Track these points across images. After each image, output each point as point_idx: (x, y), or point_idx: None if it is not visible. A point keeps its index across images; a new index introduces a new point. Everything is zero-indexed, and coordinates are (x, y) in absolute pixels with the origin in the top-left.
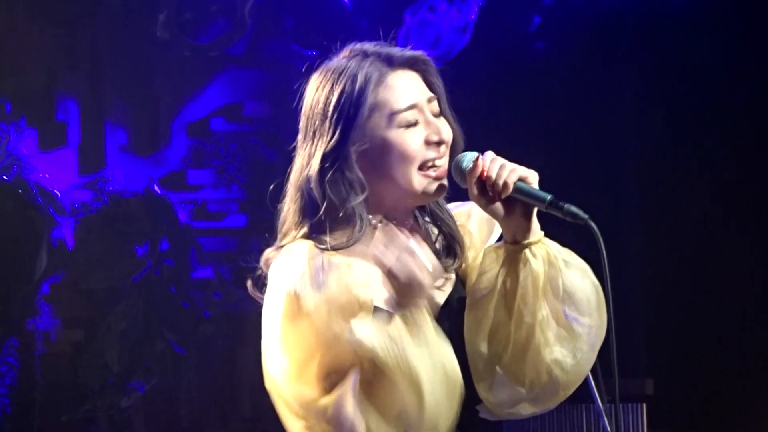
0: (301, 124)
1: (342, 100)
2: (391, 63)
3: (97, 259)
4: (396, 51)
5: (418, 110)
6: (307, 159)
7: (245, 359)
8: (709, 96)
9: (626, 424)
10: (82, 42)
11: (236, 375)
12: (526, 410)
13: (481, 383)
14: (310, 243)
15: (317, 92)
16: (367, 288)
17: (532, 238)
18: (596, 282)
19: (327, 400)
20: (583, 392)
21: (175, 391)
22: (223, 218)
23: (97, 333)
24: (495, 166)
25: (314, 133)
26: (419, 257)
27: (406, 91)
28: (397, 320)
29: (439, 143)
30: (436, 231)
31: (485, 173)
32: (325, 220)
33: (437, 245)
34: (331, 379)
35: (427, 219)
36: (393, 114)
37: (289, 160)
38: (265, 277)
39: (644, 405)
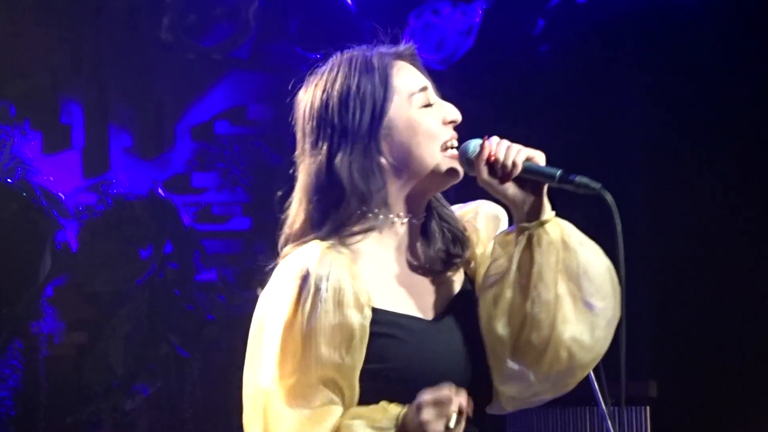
0: (312, 125)
1: (362, 88)
2: (390, 54)
3: (101, 261)
4: (386, 46)
5: (428, 93)
6: (326, 154)
7: None
8: (714, 99)
9: (630, 427)
10: (87, 45)
11: (240, 377)
12: (541, 397)
13: (498, 373)
14: (323, 245)
15: (325, 90)
16: (368, 294)
17: (544, 216)
18: (609, 264)
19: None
20: (586, 394)
21: (179, 394)
22: (227, 221)
23: (101, 336)
24: (502, 147)
25: (332, 128)
26: (427, 256)
27: (414, 75)
28: (400, 321)
29: (453, 122)
30: (442, 230)
31: (493, 156)
32: (345, 215)
33: (443, 244)
34: (306, 397)
35: (433, 218)
36: (411, 95)
37: (293, 162)
38: None
39: (648, 408)
